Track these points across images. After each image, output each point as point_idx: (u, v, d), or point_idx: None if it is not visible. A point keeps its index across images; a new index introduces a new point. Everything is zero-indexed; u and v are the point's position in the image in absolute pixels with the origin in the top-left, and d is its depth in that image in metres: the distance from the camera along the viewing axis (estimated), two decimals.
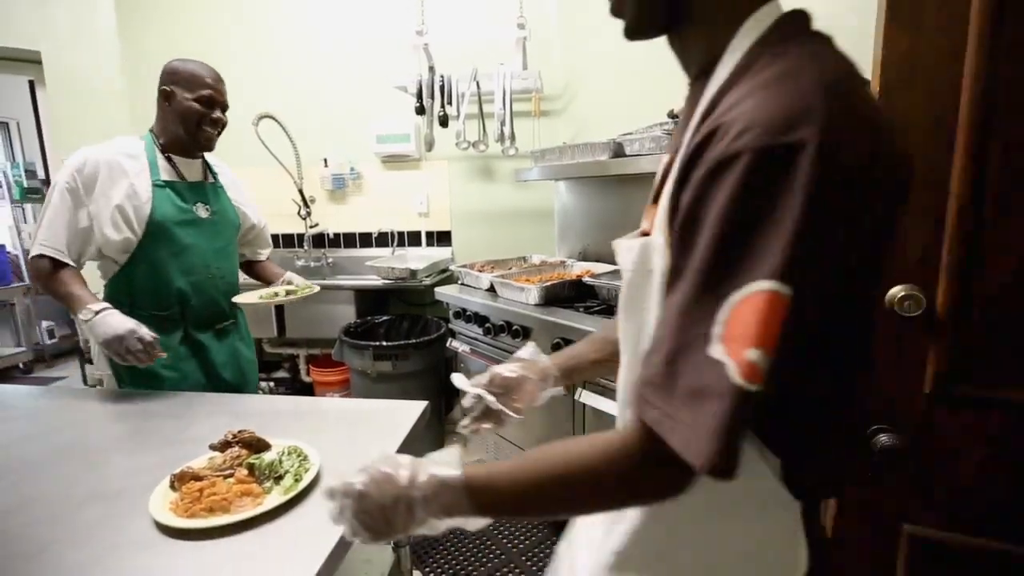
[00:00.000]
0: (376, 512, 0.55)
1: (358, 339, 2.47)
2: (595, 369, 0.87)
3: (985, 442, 0.82)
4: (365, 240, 3.18)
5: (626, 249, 0.57)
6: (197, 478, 0.83)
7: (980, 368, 0.81)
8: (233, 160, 3.16)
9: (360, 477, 0.56)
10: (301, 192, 2.86)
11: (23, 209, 5.03)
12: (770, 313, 0.39)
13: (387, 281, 2.59)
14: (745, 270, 0.40)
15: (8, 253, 4.60)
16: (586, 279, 1.92)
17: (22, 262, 4.80)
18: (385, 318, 2.76)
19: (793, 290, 0.39)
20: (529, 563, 1.79)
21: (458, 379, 0.89)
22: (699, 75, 0.55)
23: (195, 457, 0.90)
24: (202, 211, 1.48)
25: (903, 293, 0.82)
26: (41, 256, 1.31)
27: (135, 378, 1.39)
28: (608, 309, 1.77)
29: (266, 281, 1.69)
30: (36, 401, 1.38)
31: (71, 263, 1.34)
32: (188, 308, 1.45)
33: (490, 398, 0.82)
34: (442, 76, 2.59)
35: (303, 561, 0.68)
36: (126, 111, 3.49)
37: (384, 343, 2.39)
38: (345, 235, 3.22)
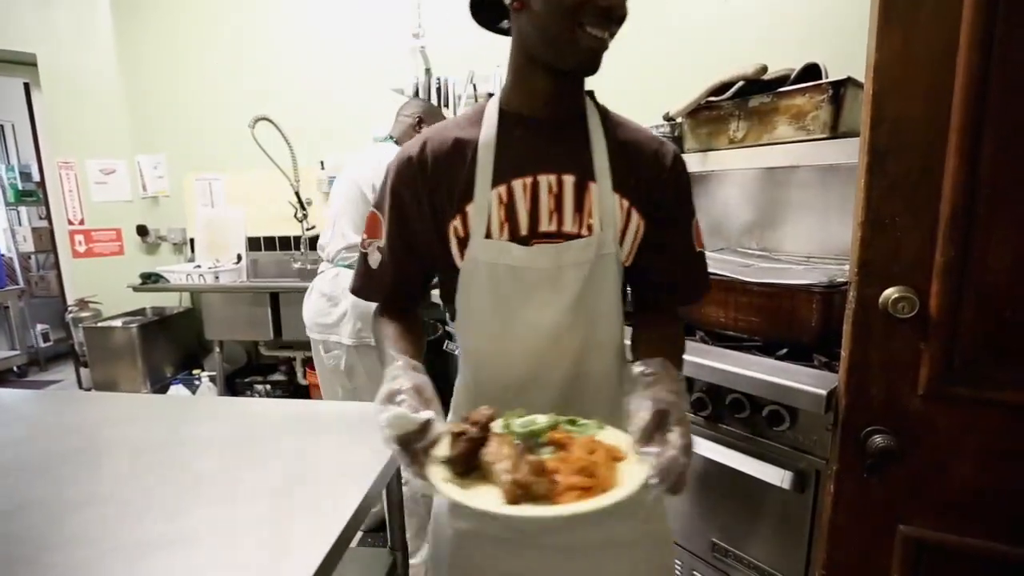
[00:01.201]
0: None
1: None
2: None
3: (979, 443, 0.83)
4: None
5: (581, 247, 0.77)
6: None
7: (974, 369, 0.81)
8: (230, 163, 3.19)
9: (672, 436, 0.60)
10: (298, 195, 2.86)
11: (17, 212, 5.00)
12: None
13: None
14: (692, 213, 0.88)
15: (3, 256, 4.57)
16: None
17: (16, 265, 4.78)
18: None
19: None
20: None
21: (397, 416, 0.67)
22: (569, 121, 0.81)
23: (194, 458, 0.89)
24: None
25: (896, 295, 0.82)
26: None
27: None
28: None
29: None
30: (31, 405, 1.37)
31: None
32: None
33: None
34: (439, 79, 2.59)
35: (300, 561, 0.68)
36: (123, 114, 3.48)
37: None
38: None
